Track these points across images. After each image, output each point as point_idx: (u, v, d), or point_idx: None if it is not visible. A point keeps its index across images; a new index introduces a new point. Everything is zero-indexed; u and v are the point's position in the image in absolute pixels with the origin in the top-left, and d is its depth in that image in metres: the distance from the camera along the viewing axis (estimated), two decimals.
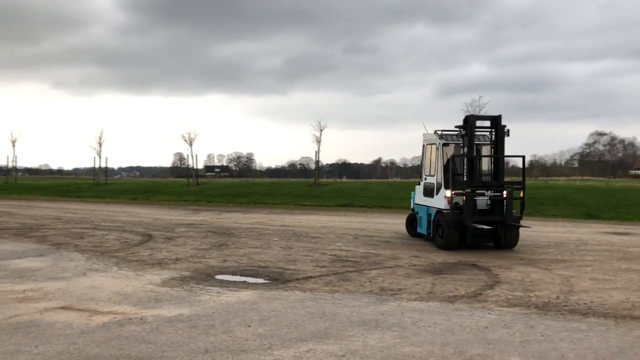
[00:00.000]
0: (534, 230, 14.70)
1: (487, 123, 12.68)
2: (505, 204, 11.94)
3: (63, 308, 6.94)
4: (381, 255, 11.37)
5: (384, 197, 28.85)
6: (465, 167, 12.38)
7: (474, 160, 12.33)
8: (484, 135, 12.90)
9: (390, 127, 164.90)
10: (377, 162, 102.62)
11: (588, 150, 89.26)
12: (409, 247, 12.73)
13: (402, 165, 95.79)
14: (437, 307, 7.00)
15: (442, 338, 5.70)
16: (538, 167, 78.57)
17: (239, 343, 5.51)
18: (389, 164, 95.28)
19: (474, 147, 12.30)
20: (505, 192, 11.95)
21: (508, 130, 12.19)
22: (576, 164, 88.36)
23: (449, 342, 5.55)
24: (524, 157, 12.45)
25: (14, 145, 50.19)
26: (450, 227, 12.00)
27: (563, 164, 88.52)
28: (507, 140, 12.29)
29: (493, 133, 12.46)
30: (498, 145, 12.22)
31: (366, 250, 12.15)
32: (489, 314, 6.72)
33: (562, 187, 32.05)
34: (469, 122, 12.24)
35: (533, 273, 9.45)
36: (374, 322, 6.28)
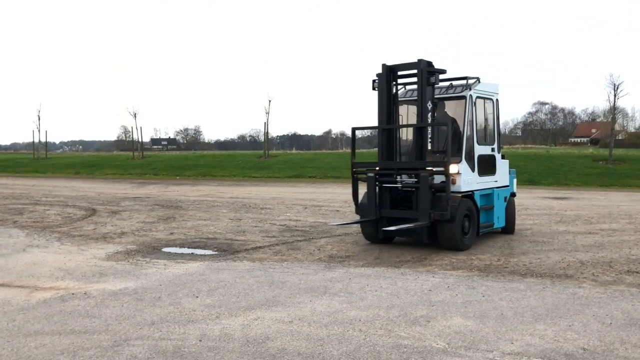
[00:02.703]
0: None
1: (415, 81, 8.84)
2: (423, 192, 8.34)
3: (1, 285, 6.70)
4: (330, 224, 11.47)
5: (333, 167, 29.03)
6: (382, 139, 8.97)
7: (391, 131, 9.01)
8: (412, 91, 9.56)
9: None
10: (328, 133, 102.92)
11: (531, 120, 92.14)
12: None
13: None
14: (384, 272, 7.14)
15: (388, 301, 5.83)
16: None
17: (186, 314, 5.47)
18: (339, 135, 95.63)
19: (395, 109, 9.08)
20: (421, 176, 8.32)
21: (436, 77, 8.50)
22: (520, 133, 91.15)
23: (394, 305, 5.69)
24: (447, 123, 8.60)
25: None
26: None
27: (507, 132, 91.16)
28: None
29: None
30: (423, 107, 8.52)
31: (315, 220, 12.23)
32: (433, 277, 6.91)
33: (505, 155, 33.01)
34: (383, 72, 8.89)
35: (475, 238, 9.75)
36: (322, 289, 6.35)
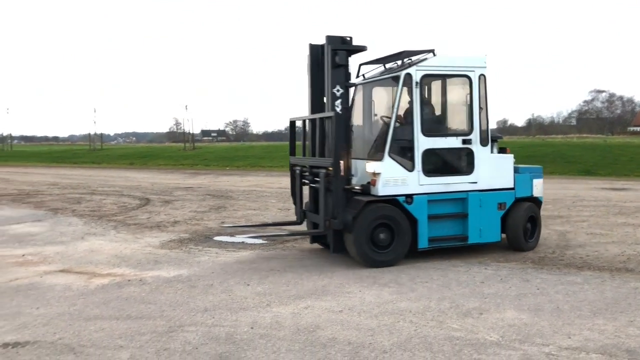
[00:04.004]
0: None
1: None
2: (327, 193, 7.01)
3: (62, 271, 6.98)
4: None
5: None
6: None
7: (322, 121, 7.45)
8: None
9: None
10: None
11: (586, 108, 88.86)
12: None
13: None
14: (434, 264, 7.05)
15: (439, 293, 5.76)
16: (536, 126, 78.46)
17: (237, 301, 5.56)
18: None
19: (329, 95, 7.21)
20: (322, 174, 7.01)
21: (343, 56, 6.96)
22: (574, 122, 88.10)
23: (445, 297, 5.61)
24: (334, 115, 6.88)
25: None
26: None
27: (561, 122, 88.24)
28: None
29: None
30: (330, 94, 7.08)
31: None
32: (485, 269, 6.77)
33: (559, 145, 32.02)
34: (310, 52, 7.51)
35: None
36: (371, 279, 6.33)
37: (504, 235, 7.72)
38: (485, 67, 7.40)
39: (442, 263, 7.08)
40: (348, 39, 7.09)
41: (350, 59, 7.15)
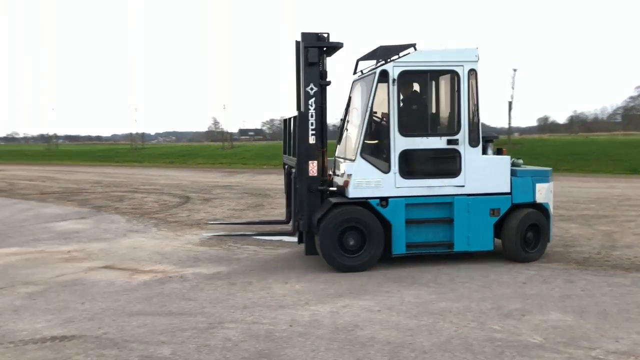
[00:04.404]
0: (573, 186, 14.37)
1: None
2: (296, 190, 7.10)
3: (106, 267, 7.15)
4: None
5: None
6: None
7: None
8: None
9: None
10: None
11: (632, 104, 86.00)
12: None
13: None
14: (474, 264, 6.93)
15: (480, 293, 5.66)
16: (578, 123, 76.34)
17: (276, 299, 5.59)
18: None
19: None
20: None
21: (314, 53, 6.73)
22: (619, 119, 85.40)
23: (486, 298, 5.51)
24: (297, 114, 6.90)
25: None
26: None
27: (605, 119, 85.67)
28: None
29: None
30: (302, 92, 6.94)
31: None
32: (527, 269, 6.62)
33: (603, 142, 31.09)
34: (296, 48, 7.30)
35: (573, 229, 9.25)
36: (410, 279, 6.27)
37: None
38: (475, 60, 6.83)
39: (482, 263, 6.96)
40: (325, 35, 6.87)
41: (330, 56, 7.02)
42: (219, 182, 20.12)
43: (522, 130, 62.49)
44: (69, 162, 39.18)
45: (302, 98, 6.92)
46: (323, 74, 6.93)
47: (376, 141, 6.91)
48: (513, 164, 7.22)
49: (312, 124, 6.82)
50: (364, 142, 6.76)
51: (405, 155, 6.79)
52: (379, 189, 6.71)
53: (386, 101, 6.78)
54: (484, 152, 6.99)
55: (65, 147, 60.29)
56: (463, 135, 6.82)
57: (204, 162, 34.16)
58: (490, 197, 6.92)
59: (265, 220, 9.22)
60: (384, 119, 6.91)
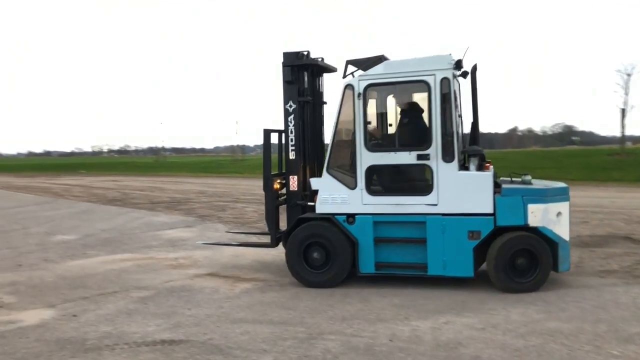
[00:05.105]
0: None
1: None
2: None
3: (210, 275, 7.44)
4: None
5: (522, 166, 27.36)
6: None
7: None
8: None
9: None
10: (513, 130, 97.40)
11: None
12: None
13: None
14: (586, 282, 6.49)
15: (594, 314, 5.28)
16: None
17: (375, 312, 5.54)
18: (526, 132, 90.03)
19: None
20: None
21: (292, 73, 6.88)
22: None
23: (601, 319, 5.13)
24: (263, 132, 7.14)
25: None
26: None
27: None
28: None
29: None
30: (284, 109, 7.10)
31: None
32: None
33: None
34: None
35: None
36: (515, 296, 5.97)
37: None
38: (449, 69, 6.16)
39: (594, 280, 6.50)
40: (305, 53, 6.89)
41: (308, 73, 7.00)
42: None
43: (636, 139, 58.25)
44: (175, 173, 41.44)
45: (283, 115, 7.02)
46: (303, 91, 6.98)
47: (342, 157, 6.75)
48: (519, 182, 6.51)
49: (291, 139, 6.98)
50: (330, 158, 6.66)
51: (372, 171, 6.52)
52: (346, 205, 6.54)
53: (352, 116, 6.53)
54: (464, 167, 6.33)
55: (172, 159, 63.80)
56: (435, 149, 6.21)
57: None
58: (468, 217, 6.15)
59: (263, 232, 9.05)
60: (351, 134, 6.62)
